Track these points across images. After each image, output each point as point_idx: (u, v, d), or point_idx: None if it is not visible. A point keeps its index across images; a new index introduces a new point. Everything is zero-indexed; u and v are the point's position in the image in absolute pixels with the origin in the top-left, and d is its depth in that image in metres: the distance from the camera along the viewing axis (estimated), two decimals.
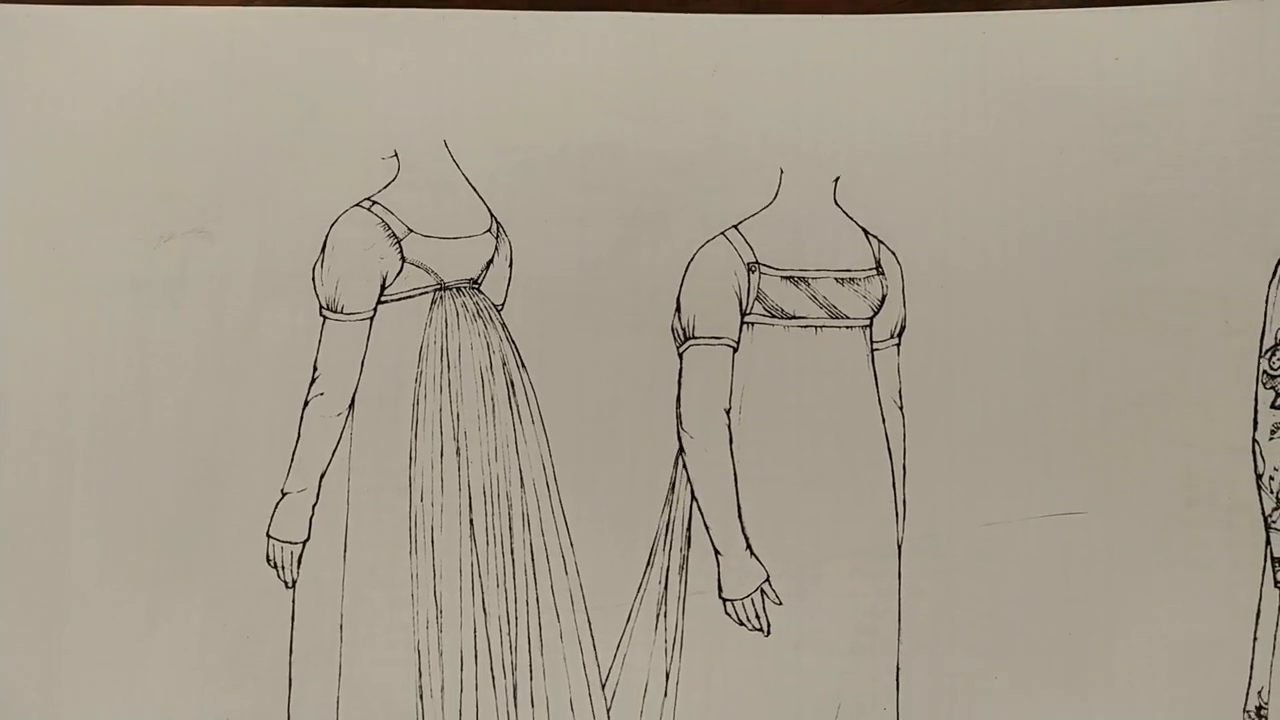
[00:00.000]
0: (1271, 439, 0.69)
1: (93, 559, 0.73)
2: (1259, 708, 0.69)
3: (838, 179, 0.75)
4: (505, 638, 0.73)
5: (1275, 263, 0.70)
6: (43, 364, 0.75)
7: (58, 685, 0.73)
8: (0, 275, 0.75)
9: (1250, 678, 0.69)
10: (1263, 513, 0.69)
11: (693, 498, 0.73)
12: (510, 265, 0.75)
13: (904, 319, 0.74)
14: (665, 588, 0.73)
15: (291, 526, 0.73)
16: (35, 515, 0.74)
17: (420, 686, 0.72)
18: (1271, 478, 0.69)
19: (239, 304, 0.75)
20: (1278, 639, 0.68)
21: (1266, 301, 0.70)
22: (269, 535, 0.73)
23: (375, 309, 0.75)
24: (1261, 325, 0.70)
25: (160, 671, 0.73)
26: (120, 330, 0.75)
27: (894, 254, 0.74)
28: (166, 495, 0.74)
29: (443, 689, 0.72)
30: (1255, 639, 0.69)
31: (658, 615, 0.73)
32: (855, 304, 0.74)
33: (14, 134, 0.77)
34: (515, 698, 0.72)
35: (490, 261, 0.75)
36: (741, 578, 0.72)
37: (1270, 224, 0.71)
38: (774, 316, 0.74)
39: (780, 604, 0.72)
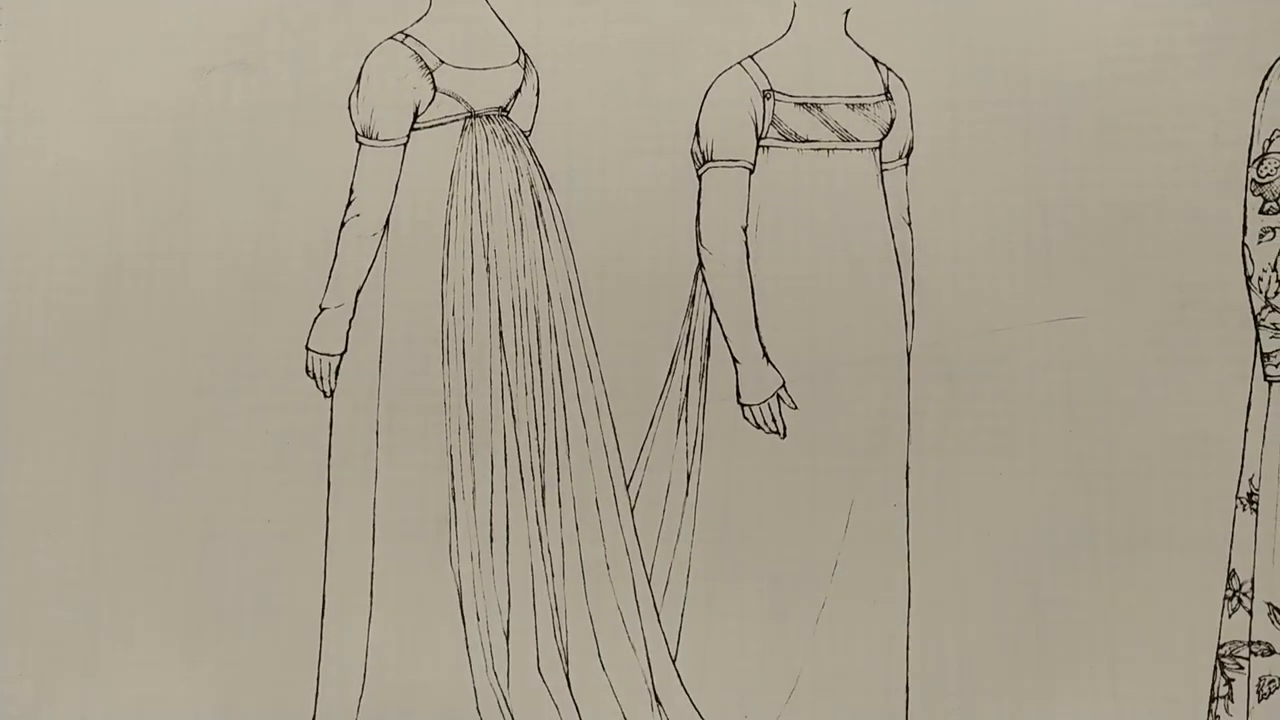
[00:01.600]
0: (1260, 242, 0.73)
1: (139, 371, 0.77)
2: (1250, 494, 0.72)
3: (848, 11, 0.79)
4: (534, 442, 0.76)
5: (1261, 78, 0.74)
6: (90, 190, 0.79)
7: (108, 477, 0.76)
8: (50, 105, 0.79)
9: (1241, 467, 0.72)
10: (1252, 311, 0.73)
11: (712, 310, 0.77)
12: (537, 94, 0.79)
13: (911, 141, 0.78)
14: (686, 394, 0.77)
15: (329, 340, 0.77)
16: (80, 330, 0.78)
17: (453, 489, 0.76)
18: (1260, 279, 0.73)
19: (278, 132, 0.78)
20: (1267, 430, 0.72)
21: (1254, 114, 0.74)
22: (308, 348, 0.77)
23: (408, 136, 0.78)
24: (1249, 137, 0.74)
25: (203, 475, 0.76)
26: (165, 157, 0.79)
27: (902, 80, 0.78)
28: (210, 312, 0.77)
29: (474, 491, 0.76)
30: (1246, 430, 0.72)
31: (679, 421, 0.77)
32: (865, 128, 0.78)
33: None
34: (544, 498, 0.76)
35: (518, 90, 0.79)
36: (759, 384, 0.76)
37: (1256, 40, 0.75)
38: (788, 140, 0.78)
39: (796, 408, 0.76)
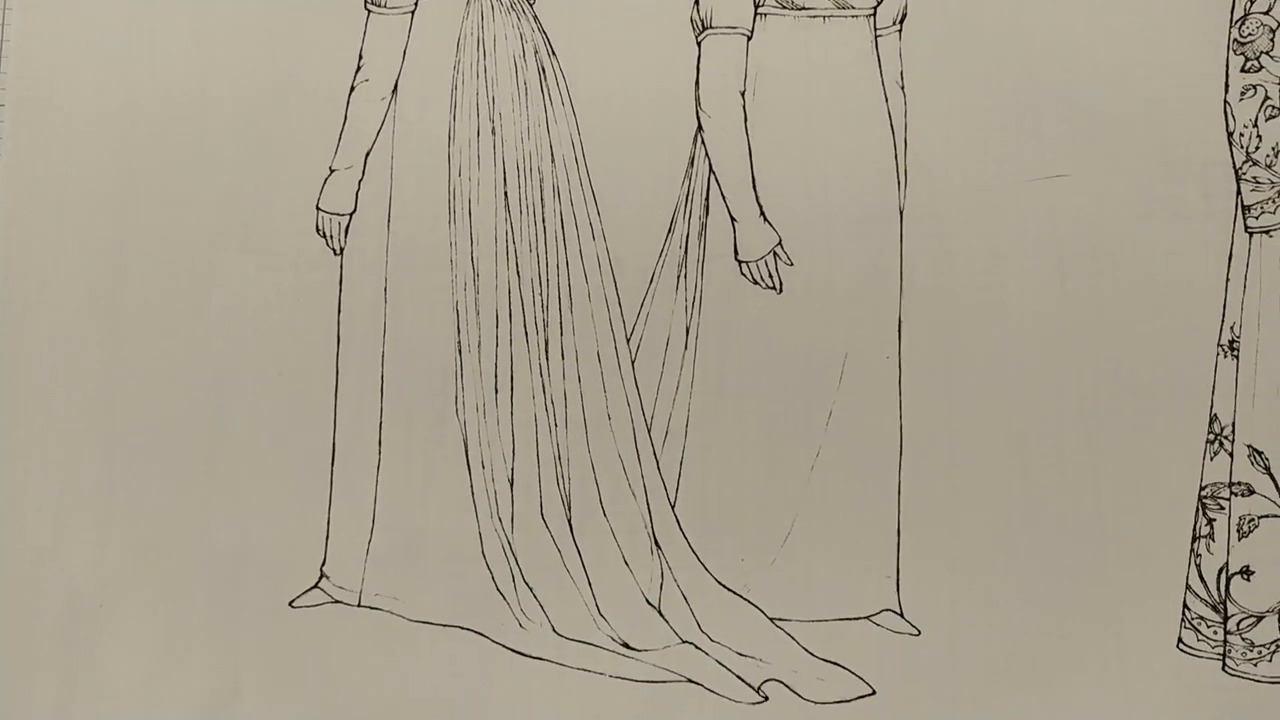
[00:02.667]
0: (1241, 99, 0.75)
1: (153, 229, 0.79)
2: (1231, 342, 0.74)
3: None
4: (537, 297, 0.79)
5: None
6: (108, 47, 0.80)
7: (120, 338, 0.78)
8: None
9: (1223, 314, 0.75)
10: (1234, 165, 0.75)
11: (711, 171, 0.79)
12: None
13: (905, 7, 0.80)
14: (685, 251, 0.79)
15: (339, 199, 0.79)
16: (98, 181, 0.79)
17: (459, 342, 0.78)
18: (1241, 134, 0.75)
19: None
20: (1248, 279, 0.74)
21: None
22: (318, 208, 0.79)
23: (416, 3, 0.81)
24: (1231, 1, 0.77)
25: (217, 324, 0.78)
26: (184, 29, 0.81)
27: None
28: (224, 172, 0.80)
29: (479, 344, 0.78)
30: (1228, 280, 0.75)
31: (678, 277, 0.79)
32: None
33: None
34: (547, 351, 0.78)
35: None
36: (756, 241, 0.78)
37: None
38: (784, 8, 0.80)
39: (792, 264, 0.78)
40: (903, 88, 0.79)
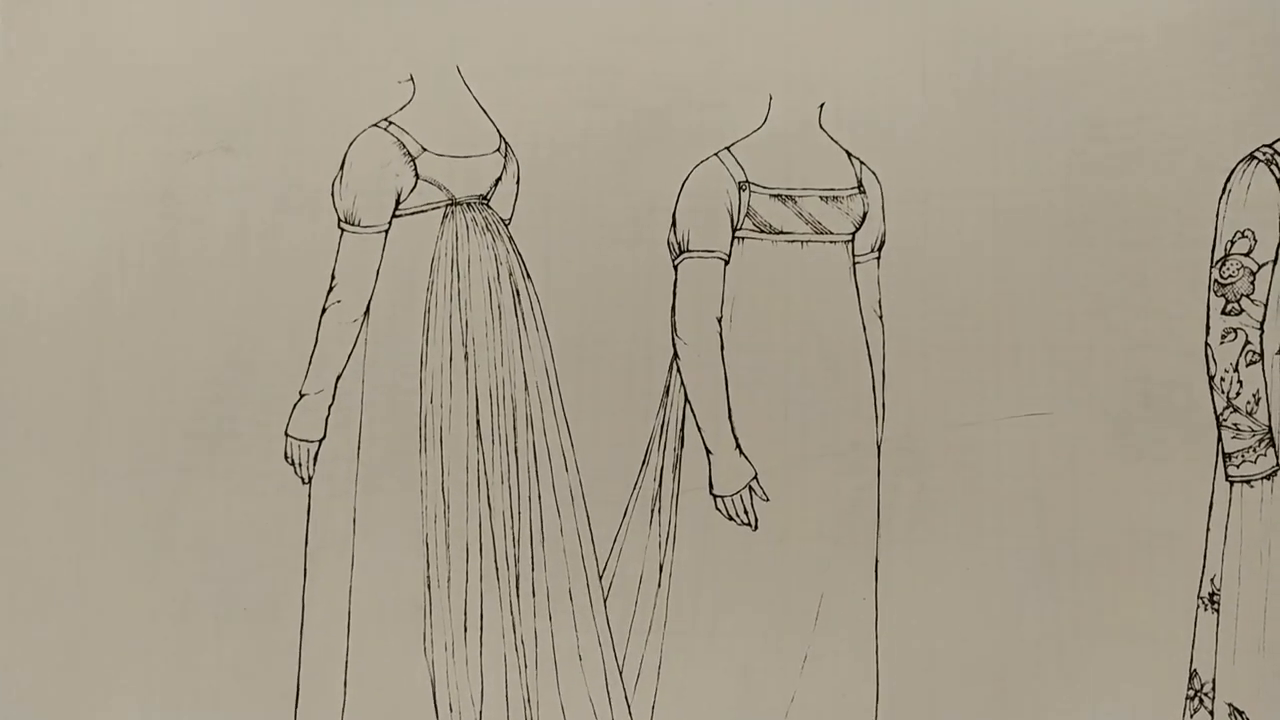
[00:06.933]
0: (1222, 343, 0.74)
1: (120, 451, 0.78)
2: (1211, 595, 0.73)
3: (823, 105, 0.80)
4: (509, 531, 0.77)
5: (1224, 180, 0.76)
6: (77, 269, 0.79)
7: (88, 559, 0.77)
8: (37, 186, 0.80)
9: (1204, 566, 0.74)
10: (1215, 411, 0.74)
11: (686, 400, 0.78)
12: (517, 182, 0.80)
13: (884, 234, 0.79)
14: (660, 485, 0.78)
15: (309, 426, 0.78)
16: (65, 403, 0.78)
17: (428, 576, 0.76)
18: (1223, 379, 0.74)
19: (262, 216, 0.79)
20: (1228, 530, 0.73)
21: (1217, 215, 0.75)
22: (287, 434, 0.78)
23: (390, 223, 0.79)
24: (1213, 238, 0.75)
25: (181, 560, 0.77)
26: (152, 236, 0.80)
27: (874, 174, 0.79)
28: (191, 396, 0.78)
29: (449, 579, 0.76)
30: (1208, 530, 0.74)
31: (653, 511, 0.78)
32: (838, 220, 0.79)
33: (52, 55, 0.81)
34: (518, 587, 0.76)
35: (499, 179, 0.80)
36: (732, 475, 0.77)
37: (1220, 141, 0.76)
38: (763, 232, 0.79)
39: (768, 500, 0.77)
40: (880, 317, 0.78)
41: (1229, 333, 0.74)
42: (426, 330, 0.79)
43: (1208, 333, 0.75)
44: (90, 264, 0.79)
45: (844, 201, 0.79)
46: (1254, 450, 0.73)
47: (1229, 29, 0.77)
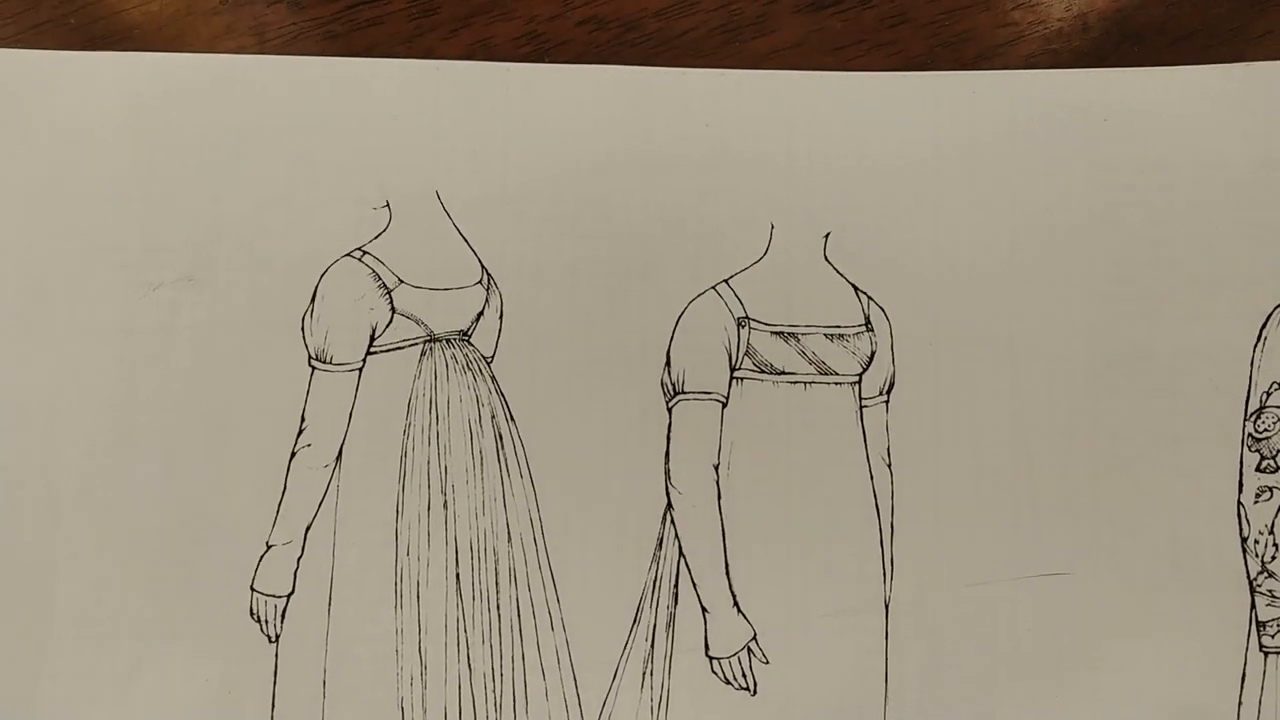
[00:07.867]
0: (1256, 502, 0.70)
1: (75, 609, 0.72)
2: None
3: (828, 235, 0.75)
4: (490, 695, 0.72)
5: (1260, 325, 0.71)
6: (29, 410, 0.74)
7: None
8: None
9: None
10: (1248, 576, 0.69)
11: (680, 554, 0.73)
12: (500, 317, 0.75)
13: (893, 376, 0.74)
14: (652, 645, 0.73)
15: (276, 580, 0.73)
16: (18, 562, 0.73)
17: None
18: (1256, 541, 0.69)
19: (227, 353, 0.74)
20: (1262, 704, 0.69)
21: (1251, 364, 0.70)
22: (253, 589, 0.73)
23: (364, 360, 0.74)
24: (1247, 388, 0.71)
25: None
26: (109, 377, 0.74)
27: (883, 310, 0.74)
28: (151, 546, 0.73)
29: None
30: (1240, 704, 0.69)
31: (644, 674, 0.73)
32: (844, 360, 0.74)
33: (4, 180, 0.76)
34: None
35: (481, 313, 0.75)
36: (729, 635, 0.72)
37: (1255, 287, 0.71)
38: (763, 372, 0.74)
39: (767, 662, 0.72)
40: (889, 465, 0.73)
41: (1264, 491, 0.69)
42: (403, 477, 0.73)
43: (1240, 491, 0.70)
44: (44, 406, 0.73)
45: (850, 340, 0.74)
46: None
47: (1264, 170, 0.72)
